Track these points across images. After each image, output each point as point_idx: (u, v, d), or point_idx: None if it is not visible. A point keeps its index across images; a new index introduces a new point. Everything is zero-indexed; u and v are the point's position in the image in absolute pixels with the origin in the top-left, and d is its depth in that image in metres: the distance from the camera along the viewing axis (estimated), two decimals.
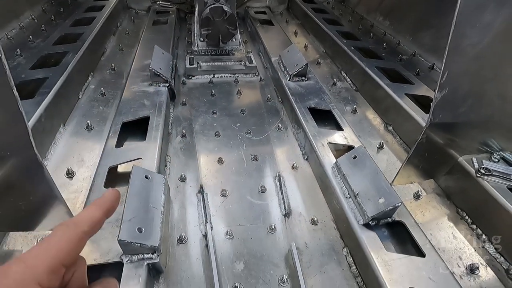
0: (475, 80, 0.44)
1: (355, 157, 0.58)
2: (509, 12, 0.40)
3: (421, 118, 0.66)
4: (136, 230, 0.42)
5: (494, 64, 0.43)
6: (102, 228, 0.45)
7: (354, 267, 0.51)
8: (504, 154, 0.55)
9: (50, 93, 0.65)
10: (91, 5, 1.18)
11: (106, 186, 0.54)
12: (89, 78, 0.85)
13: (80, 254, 0.24)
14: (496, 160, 0.54)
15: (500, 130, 0.53)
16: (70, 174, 0.57)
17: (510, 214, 0.46)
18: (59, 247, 0.22)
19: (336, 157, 0.62)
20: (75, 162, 0.61)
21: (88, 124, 0.69)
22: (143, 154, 0.61)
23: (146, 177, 0.50)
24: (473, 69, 0.43)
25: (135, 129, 0.71)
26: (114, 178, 0.58)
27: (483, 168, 0.51)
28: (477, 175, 0.52)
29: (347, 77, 0.96)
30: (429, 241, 0.49)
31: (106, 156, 0.60)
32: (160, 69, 0.82)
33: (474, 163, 0.53)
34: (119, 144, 0.65)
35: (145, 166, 0.59)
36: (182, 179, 0.64)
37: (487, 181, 0.51)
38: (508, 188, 0.50)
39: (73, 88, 0.76)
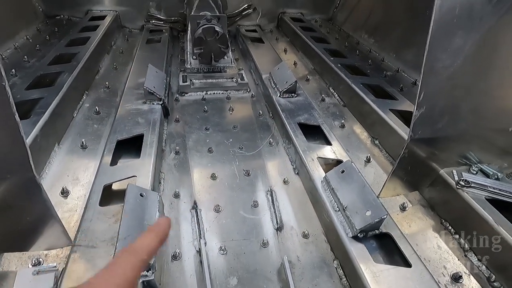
0: (450, 98, 0.47)
1: (343, 171, 0.60)
2: (476, 37, 0.44)
3: (404, 132, 0.70)
4: None
5: (465, 84, 0.47)
6: (98, 247, 0.46)
7: (345, 279, 0.52)
8: (481, 166, 0.59)
9: (46, 113, 0.66)
10: (85, 25, 1.20)
11: (101, 204, 0.55)
12: (84, 97, 0.87)
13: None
14: (475, 172, 0.58)
15: (477, 143, 0.57)
16: (65, 193, 0.58)
17: (488, 224, 0.49)
18: (124, 273, 0.23)
19: (325, 171, 0.64)
20: (70, 180, 0.62)
21: (82, 142, 0.70)
22: (138, 171, 0.62)
23: (141, 195, 0.52)
24: (447, 89, 0.46)
25: (129, 146, 0.72)
26: (109, 196, 0.59)
27: (463, 180, 0.54)
28: (457, 187, 0.54)
29: (335, 93, 1.00)
30: (415, 251, 0.51)
31: (101, 174, 0.61)
32: (154, 87, 0.84)
33: (454, 176, 0.56)
34: (113, 162, 0.66)
35: (140, 183, 0.60)
36: (176, 195, 0.65)
37: (466, 193, 0.54)
38: (486, 199, 0.53)
39: (68, 107, 0.78)
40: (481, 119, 0.51)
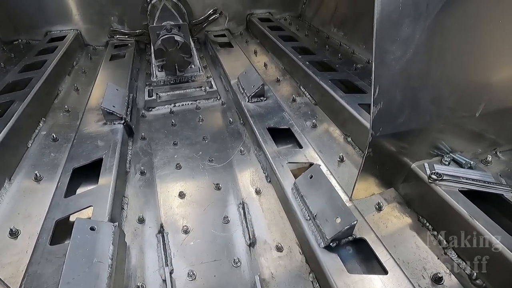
0: (407, 91, 0.45)
1: (311, 177, 0.57)
2: (425, 24, 0.41)
3: None
4: None
5: (421, 74, 0.44)
6: None
7: None
8: (454, 156, 0.56)
9: None
10: (43, 47, 1.15)
11: (52, 243, 0.51)
12: (40, 124, 0.82)
13: None
14: (447, 162, 0.55)
15: (446, 132, 0.54)
16: (14, 234, 0.54)
17: (463, 218, 0.46)
18: None
19: (297, 177, 0.61)
20: (21, 219, 0.57)
21: (36, 175, 0.65)
22: (94, 200, 0.58)
23: (92, 228, 0.47)
24: (402, 81, 0.44)
25: (91, 173, 0.67)
26: (64, 232, 0.55)
27: (434, 173, 0.52)
28: (430, 180, 0.52)
29: (306, 92, 0.97)
30: (391, 255, 0.48)
31: (53, 208, 0.56)
32: (114, 106, 0.80)
33: (426, 169, 0.54)
34: (70, 192, 0.62)
35: (97, 213, 0.56)
36: (141, 220, 0.61)
37: (439, 186, 0.51)
38: (460, 191, 0.50)
39: (20, 138, 0.73)
40: (445, 109, 0.48)
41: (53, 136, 0.77)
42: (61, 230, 0.55)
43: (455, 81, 0.46)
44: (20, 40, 1.27)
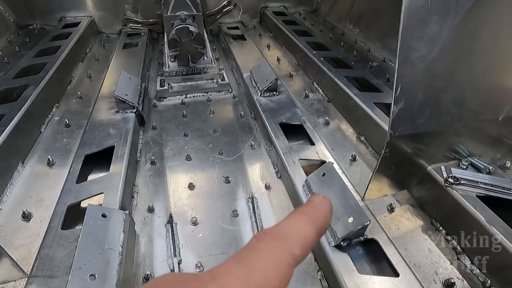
0: (429, 91, 0.43)
1: (324, 174, 0.56)
2: (453, 22, 0.40)
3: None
4: (88, 278, 0.39)
5: (445, 74, 0.42)
6: (56, 276, 0.42)
7: None
8: (472, 160, 0.54)
9: (5, 131, 0.62)
10: (58, 33, 1.16)
11: (64, 227, 0.52)
12: (54, 110, 0.83)
13: None
14: (465, 166, 0.54)
15: (465, 135, 0.52)
16: (26, 216, 0.54)
17: (480, 224, 0.45)
18: (266, 274, 0.15)
19: (308, 174, 0.60)
20: (33, 202, 0.58)
21: (49, 159, 0.66)
22: (106, 188, 0.58)
23: (103, 215, 0.48)
24: (425, 81, 0.42)
25: (102, 160, 0.68)
26: (75, 217, 0.55)
27: (451, 177, 0.50)
28: (446, 184, 0.50)
29: (319, 88, 0.96)
30: (403, 258, 0.47)
31: (65, 193, 0.57)
32: (126, 95, 0.80)
33: (443, 172, 0.52)
34: (82, 178, 0.62)
35: (108, 200, 0.56)
36: (150, 209, 0.61)
37: (455, 190, 0.49)
38: (477, 196, 0.49)
39: (33, 122, 0.73)
40: (467, 111, 0.47)
41: (66, 122, 0.78)
42: (72, 215, 0.55)
43: (481, 83, 0.45)
44: (35, 25, 1.28)
